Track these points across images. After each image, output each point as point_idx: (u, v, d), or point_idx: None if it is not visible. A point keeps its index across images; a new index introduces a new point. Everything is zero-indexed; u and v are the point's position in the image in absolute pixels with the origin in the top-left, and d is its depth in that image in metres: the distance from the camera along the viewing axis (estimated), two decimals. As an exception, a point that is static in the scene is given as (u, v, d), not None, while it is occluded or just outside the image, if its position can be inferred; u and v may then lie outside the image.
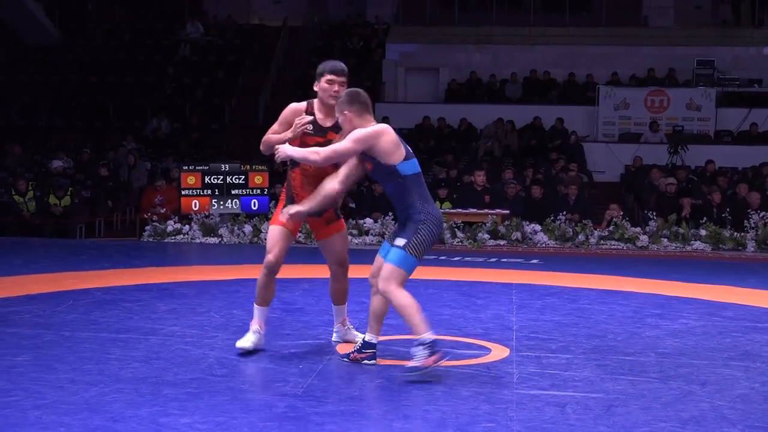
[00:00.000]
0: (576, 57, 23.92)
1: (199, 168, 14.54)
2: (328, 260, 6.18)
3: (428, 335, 5.31)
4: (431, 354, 5.26)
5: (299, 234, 13.75)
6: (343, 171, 5.60)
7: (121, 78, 24.11)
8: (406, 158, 5.49)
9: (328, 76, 5.88)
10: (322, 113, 5.93)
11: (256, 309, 6.05)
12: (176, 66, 24.40)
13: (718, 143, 21.28)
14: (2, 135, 22.01)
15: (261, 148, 6.08)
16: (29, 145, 21.41)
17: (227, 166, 14.63)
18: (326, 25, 26.97)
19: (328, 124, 5.93)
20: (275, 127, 6.10)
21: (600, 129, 21.95)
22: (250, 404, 4.78)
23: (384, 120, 20.05)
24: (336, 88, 5.87)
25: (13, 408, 4.61)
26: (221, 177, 14.37)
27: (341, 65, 5.98)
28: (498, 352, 6.20)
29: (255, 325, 6.02)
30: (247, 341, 5.97)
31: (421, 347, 5.29)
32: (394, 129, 5.67)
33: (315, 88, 5.97)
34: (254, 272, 10.12)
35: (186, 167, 14.67)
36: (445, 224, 14.12)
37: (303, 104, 6.04)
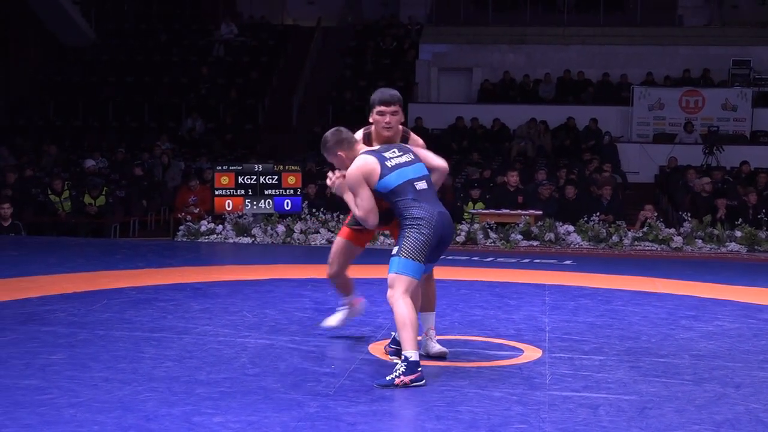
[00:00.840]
0: (610, 57, 23.81)
1: (233, 168, 14.61)
2: None
3: (413, 354, 5.25)
4: (409, 373, 5.19)
5: (331, 234, 13.79)
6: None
7: (156, 78, 24.28)
8: (383, 175, 5.55)
9: (378, 108, 5.82)
10: (378, 143, 5.91)
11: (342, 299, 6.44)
12: (210, 66, 24.54)
13: (754, 144, 21.09)
14: (39, 135, 22.25)
15: None
16: (65, 145, 21.62)
17: (260, 166, 14.69)
18: (360, 25, 27.01)
19: None
20: None
21: (634, 129, 21.83)
22: (282, 404, 4.80)
23: (417, 120, 20.07)
24: (387, 119, 5.81)
25: (48, 406, 4.65)
26: (254, 177, 14.44)
27: (390, 94, 5.89)
28: (530, 354, 6.17)
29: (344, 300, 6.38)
30: (333, 319, 6.37)
31: (403, 364, 5.24)
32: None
33: (370, 119, 5.93)
34: (286, 272, 10.21)
35: (219, 167, 14.75)
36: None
37: (360, 134, 6.00)
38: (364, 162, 5.61)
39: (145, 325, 6.85)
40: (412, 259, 5.43)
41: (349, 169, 5.65)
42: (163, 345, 6.14)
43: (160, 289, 8.66)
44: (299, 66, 24.69)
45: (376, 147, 5.75)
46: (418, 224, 5.47)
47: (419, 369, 5.21)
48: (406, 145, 5.80)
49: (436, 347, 5.93)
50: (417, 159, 5.69)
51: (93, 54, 25.19)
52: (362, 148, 5.77)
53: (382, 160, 5.58)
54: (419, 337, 5.85)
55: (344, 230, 6.13)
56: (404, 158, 5.63)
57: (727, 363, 6.03)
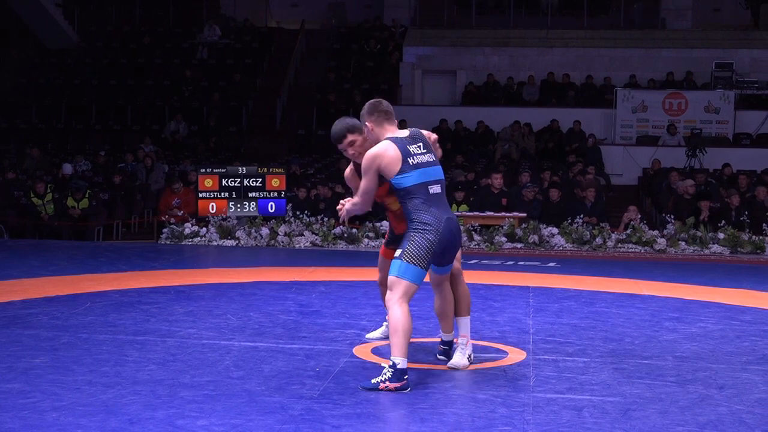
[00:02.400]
0: (594, 59, 23.89)
1: (217, 171, 14.59)
2: None
3: (401, 361, 5.23)
4: (395, 381, 5.17)
5: (316, 236, 13.78)
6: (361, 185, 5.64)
7: (139, 81, 24.21)
8: (403, 172, 5.46)
9: (348, 137, 5.81)
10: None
11: None
12: (194, 69, 24.49)
13: (736, 146, 21.19)
14: (21, 138, 22.15)
15: None
16: (48, 147, 21.53)
17: (244, 168, 14.68)
18: (344, 28, 27.01)
19: None
20: None
21: (618, 132, 21.90)
22: (266, 407, 4.79)
23: (401, 123, 20.03)
24: (350, 151, 5.81)
25: (31, 410, 4.63)
26: (238, 180, 14.41)
27: (338, 127, 5.87)
28: (515, 356, 6.18)
29: None
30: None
31: (390, 370, 5.22)
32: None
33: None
34: (270, 275, 10.20)
35: (203, 170, 14.72)
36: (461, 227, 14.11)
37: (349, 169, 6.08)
38: (385, 151, 5.49)
39: (129, 328, 6.83)
40: (414, 264, 5.37)
41: (370, 150, 5.55)
42: (147, 348, 6.13)
43: (144, 292, 8.64)
44: (283, 68, 24.66)
45: (403, 134, 5.60)
46: (425, 229, 5.41)
47: (405, 377, 5.19)
48: (431, 140, 5.71)
49: (456, 358, 5.82)
50: (437, 161, 5.63)
51: (76, 56, 25.10)
52: (391, 132, 5.61)
53: (405, 155, 5.48)
54: (456, 340, 5.92)
55: (383, 249, 6.17)
56: (426, 158, 5.55)
57: (710, 364, 6.05)
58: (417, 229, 5.42)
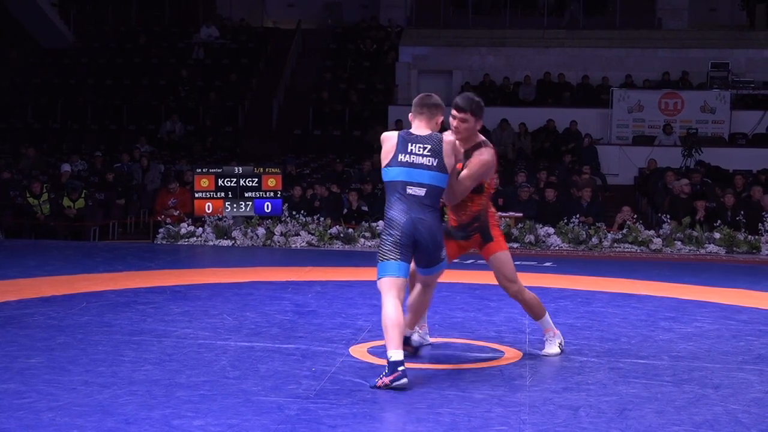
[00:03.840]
0: (590, 59, 23.89)
1: (213, 171, 14.58)
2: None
3: (394, 353, 5.24)
4: (388, 374, 5.19)
5: (312, 236, 13.79)
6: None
7: (135, 81, 24.18)
8: (389, 165, 5.60)
9: (452, 111, 5.93)
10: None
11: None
12: (190, 69, 24.47)
13: (732, 146, 21.20)
14: (17, 137, 22.11)
15: None
16: (44, 147, 21.50)
17: (240, 168, 14.67)
18: (340, 27, 26.99)
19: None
20: None
21: (614, 132, 21.89)
22: (262, 407, 4.79)
23: (397, 122, 20.06)
24: (455, 123, 5.90)
25: (27, 410, 4.63)
26: (234, 180, 14.40)
27: (462, 99, 5.98)
28: (511, 355, 6.19)
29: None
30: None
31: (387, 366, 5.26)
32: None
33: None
34: (267, 275, 10.19)
35: (199, 170, 14.70)
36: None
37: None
38: (388, 139, 5.68)
39: (125, 328, 6.82)
40: (384, 259, 5.50)
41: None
42: (143, 348, 6.12)
43: (140, 292, 8.63)
44: (279, 68, 24.64)
45: (420, 132, 5.64)
46: (389, 224, 5.55)
47: (400, 368, 5.19)
48: (447, 147, 5.61)
49: (547, 348, 6.23)
50: (436, 168, 5.56)
51: (72, 56, 25.05)
52: (414, 127, 5.70)
53: (399, 151, 5.57)
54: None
55: None
56: (422, 160, 5.55)
57: (706, 364, 6.06)
58: (385, 226, 5.60)
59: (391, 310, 5.36)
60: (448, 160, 5.60)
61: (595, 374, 5.68)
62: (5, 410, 4.60)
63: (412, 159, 5.53)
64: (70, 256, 11.94)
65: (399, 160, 5.54)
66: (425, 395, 5.10)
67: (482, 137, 5.97)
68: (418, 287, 5.89)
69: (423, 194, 5.53)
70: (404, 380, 5.18)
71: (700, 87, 22.54)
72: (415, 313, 5.95)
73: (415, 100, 5.79)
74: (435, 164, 5.55)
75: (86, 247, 13.67)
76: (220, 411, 4.68)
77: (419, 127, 5.66)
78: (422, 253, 5.60)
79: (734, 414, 4.86)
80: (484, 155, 5.84)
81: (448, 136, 5.70)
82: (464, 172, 5.81)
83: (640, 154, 20.53)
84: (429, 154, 5.56)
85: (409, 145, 5.55)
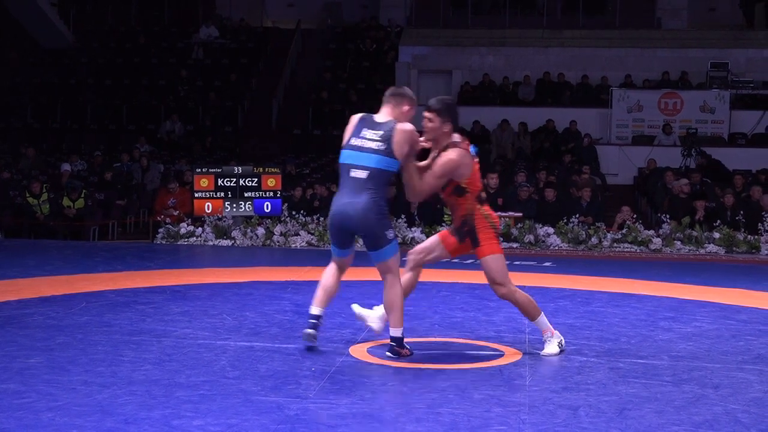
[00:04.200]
0: (589, 59, 23.89)
1: (212, 170, 14.58)
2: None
3: (315, 308, 6.03)
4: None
5: (311, 236, 13.78)
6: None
7: (134, 81, 24.18)
8: (343, 147, 5.88)
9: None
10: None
11: None
12: (190, 69, 24.47)
13: (732, 146, 21.21)
14: (17, 137, 22.11)
15: None
16: (43, 147, 21.50)
17: (240, 168, 14.66)
18: (339, 27, 26.99)
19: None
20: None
21: (613, 131, 21.89)
22: (262, 406, 4.79)
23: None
24: (423, 122, 6.08)
25: (27, 410, 4.62)
26: (234, 179, 14.40)
27: (435, 100, 6.16)
28: (510, 355, 6.19)
29: None
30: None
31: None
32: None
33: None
34: (266, 275, 10.18)
35: (199, 170, 14.70)
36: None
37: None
38: (350, 122, 5.95)
39: (124, 328, 6.82)
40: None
41: None
42: (143, 348, 6.12)
43: (140, 292, 8.63)
44: (279, 68, 24.64)
45: (378, 118, 5.89)
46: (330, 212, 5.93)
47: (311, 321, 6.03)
48: (400, 135, 5.78)
49: (547, 349, 6.25)
50: (383, 152, 5.74)
51: (71, 56, 25.06)
52: (380, 112, 5.94)
53: (354, 134, 5.86)
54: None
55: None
56: (370, 144, 5.78)
57: (705, 364, 6.06)
58: None
59: (325, 273, 6.13)
60: (400, 148, 5.76)
61: (595, 374, 5.68)
62: (5, 410, 4.60)
63: (362, 143, 5.78)
64: (69, 256, 11.94)
65: (350, 143, 5.82)
66: (425, 395, 5.09)
67: (457, 140, 6.00)
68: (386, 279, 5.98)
69: (365, 177, 5.74)
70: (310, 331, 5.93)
71: (700, 87, 22.55)
72: (391, 308, 5.97)
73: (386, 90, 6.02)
74: (383, 149, 5.74)
75: (86, 247, 13.67)
76: (220, 411, 4.68)
77: (382, 113, 5.91)
78: (361, 235, 5.89)
79: (734, 414, 4.86)
80: (450, 154, 5.94)
81: (406, 126, 5.82)
82: (429, 171, 5.93)
83: (640, 154, 20.54)
84: (379, 139, 5.77)
85: (364, 129, 5.81)
